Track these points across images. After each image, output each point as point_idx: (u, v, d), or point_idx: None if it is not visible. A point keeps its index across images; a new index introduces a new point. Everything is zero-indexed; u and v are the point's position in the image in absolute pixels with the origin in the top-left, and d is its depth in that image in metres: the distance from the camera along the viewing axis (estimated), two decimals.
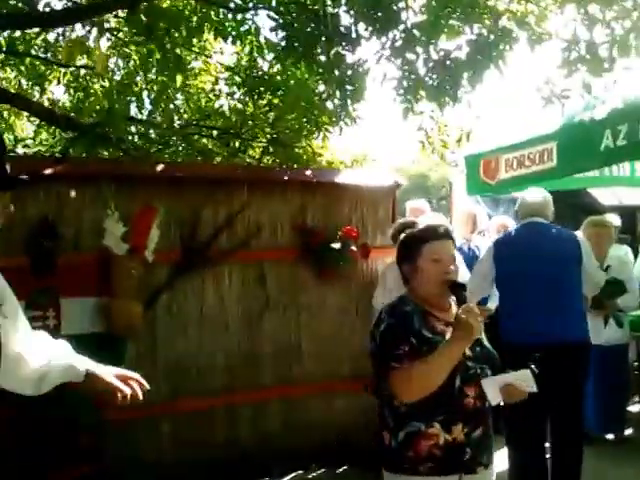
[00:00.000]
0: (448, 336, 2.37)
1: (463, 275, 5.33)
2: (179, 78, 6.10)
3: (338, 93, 5.38)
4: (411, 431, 2.33)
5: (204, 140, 6.97)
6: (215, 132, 6.81)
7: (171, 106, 6.83)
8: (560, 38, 4.70)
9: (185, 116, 7.26)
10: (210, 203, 4.83)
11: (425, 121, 6.00)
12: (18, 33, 6.38)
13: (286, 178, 5.29)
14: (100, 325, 4.26)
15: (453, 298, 2.53)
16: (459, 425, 2.34)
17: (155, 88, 6.57)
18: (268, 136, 6.77)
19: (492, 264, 4.42)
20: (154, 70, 6.22)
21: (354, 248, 5.04)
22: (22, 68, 7.11)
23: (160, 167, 4.86)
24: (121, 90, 6.26)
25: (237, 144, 6.84)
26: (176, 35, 5.38)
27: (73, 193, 4.29)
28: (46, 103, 7.27)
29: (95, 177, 4.42)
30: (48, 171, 4.22)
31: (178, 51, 5.62)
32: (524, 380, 2.50)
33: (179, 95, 7.13)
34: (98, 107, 6.06)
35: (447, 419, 2.33)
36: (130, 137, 6.22)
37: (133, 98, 6.95)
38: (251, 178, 5.18)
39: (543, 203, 4.51)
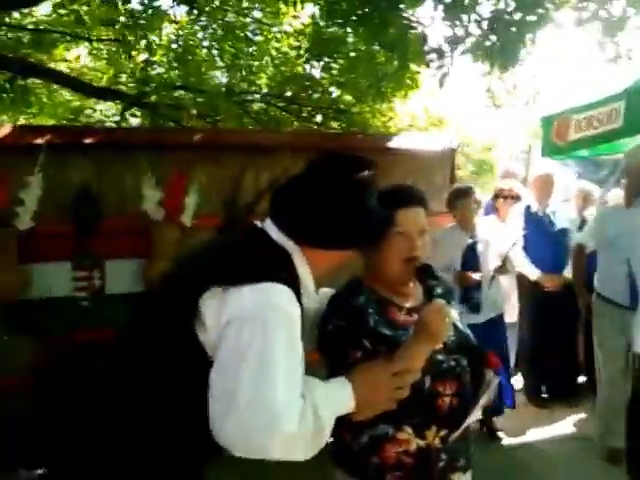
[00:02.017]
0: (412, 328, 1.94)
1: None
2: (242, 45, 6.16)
3: (396, 56, 5.28)
4: (377, 435, 1.96)
5: (274, 108, 7.01)
6: (282, 101, 6.81)
7: (241, 73, 6.91)
8: None
9: (261, 83, 7.36)
10: (252, 169, 4.85)
11: (493, 83, 5.76)
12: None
13: (332, 144, 5.18)
14: (142, 285, 4.42)
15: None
16: (433, 429, 1.97)
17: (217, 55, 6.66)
18: (331, 101, 6.71)
19: None
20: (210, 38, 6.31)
21: None
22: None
23: (201, 134, 4.93)
24: (180, 58, 6.39)
25: (307, 110, 6.83)
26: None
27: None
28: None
29: (137, 145, 4.55)
30: (91, 140, 4.40)
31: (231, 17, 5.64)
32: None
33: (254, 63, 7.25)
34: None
35: (420, 422, 1.96)
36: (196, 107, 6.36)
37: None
38: (295, 144, 5.13)
39: None
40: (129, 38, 7.67)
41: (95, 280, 4.43)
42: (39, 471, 3.58)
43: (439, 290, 2.14)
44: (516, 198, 5.89)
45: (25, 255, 4.14)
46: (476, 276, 4.69)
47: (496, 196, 6.01)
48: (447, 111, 7.81)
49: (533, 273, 5.51)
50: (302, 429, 1.59)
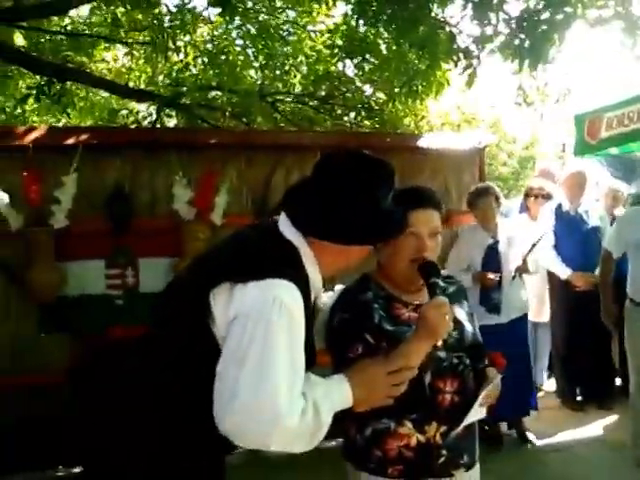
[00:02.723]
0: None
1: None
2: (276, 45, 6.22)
3: (427, 55, 5.29)
4: (379, 428, 2.01)
5: (307, 107, 7.06)
6: (315, 100, 6.85)
7: (275, 73, 6.97)
8: None
9: (294, 82, 7.39)
10: (282, 168, 4.90)
11: (524, 80, 5.72)
12: None
13: (359, 144, 5.21)
14: None
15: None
16: (433, 424, 2.00)
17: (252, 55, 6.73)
18: (363, 100, 6.73)
19: None
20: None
21: None
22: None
23: (232, 134, 5.01)
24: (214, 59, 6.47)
25: (341, 109, 6.87)
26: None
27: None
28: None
29: (168, 145, 4.65)
30: (124, 140, 4.52)
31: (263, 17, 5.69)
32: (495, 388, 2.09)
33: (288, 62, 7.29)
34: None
35: (420, 418, 2.00)
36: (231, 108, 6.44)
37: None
38: (325, 143, 5.14)
39: None
40: (164, 40, 7.82)
41: (129, 278, 4.54)
42: (77, 469, 3.64)
43: (451, 289, 2.18)
44: (546, 197, 5.87)
45: (60, 253, 4.26)
46: (494, 276, 4.65)
47: (527, 195, 5.99)
48: (484, 108, 7.77)
49: (564, 272, 5.45)
50: (302, 426, 1.63)
